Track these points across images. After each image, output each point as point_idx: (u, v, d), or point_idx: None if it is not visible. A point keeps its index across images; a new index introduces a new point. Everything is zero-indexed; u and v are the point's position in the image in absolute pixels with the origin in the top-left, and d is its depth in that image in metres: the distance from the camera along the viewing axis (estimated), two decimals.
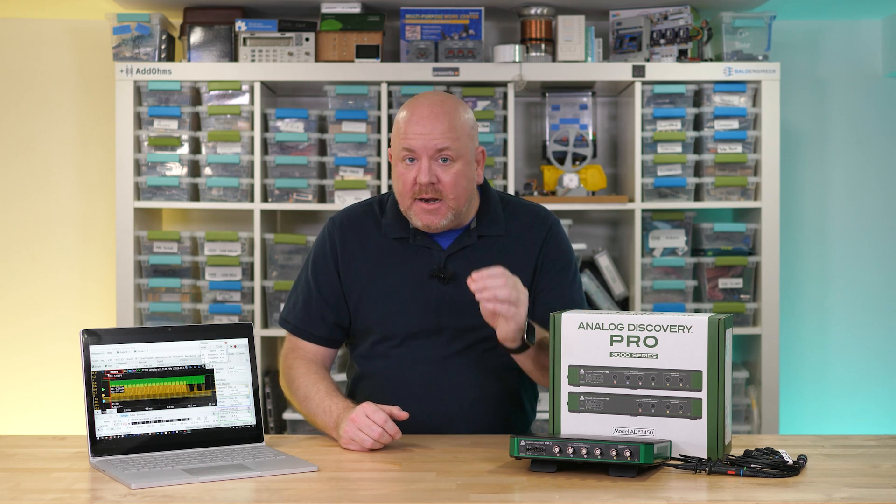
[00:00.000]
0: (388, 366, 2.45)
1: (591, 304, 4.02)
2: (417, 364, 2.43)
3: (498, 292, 2.17)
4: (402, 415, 2.23)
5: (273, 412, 4.03)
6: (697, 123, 4.05)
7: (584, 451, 1.96)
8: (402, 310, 2.43)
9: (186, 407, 2.18)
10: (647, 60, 4.00)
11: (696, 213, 4.09)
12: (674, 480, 1.95)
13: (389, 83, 3.97)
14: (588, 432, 2.10)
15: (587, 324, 2.11)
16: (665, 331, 2.07)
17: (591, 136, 4.17)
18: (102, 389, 2.12)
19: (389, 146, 2.51)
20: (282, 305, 3.96)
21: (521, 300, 2.20)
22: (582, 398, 2.12)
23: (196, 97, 4.07)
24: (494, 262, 2.39)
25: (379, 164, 4.01)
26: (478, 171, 2.45)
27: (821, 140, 4.38)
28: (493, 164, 3.98)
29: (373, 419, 2.20)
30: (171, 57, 4.09)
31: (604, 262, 4.12)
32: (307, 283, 2.51)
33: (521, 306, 2.21)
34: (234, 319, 3.97)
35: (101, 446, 2.10)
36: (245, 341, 2.26)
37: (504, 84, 3.98)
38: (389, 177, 3.98)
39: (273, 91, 4.18)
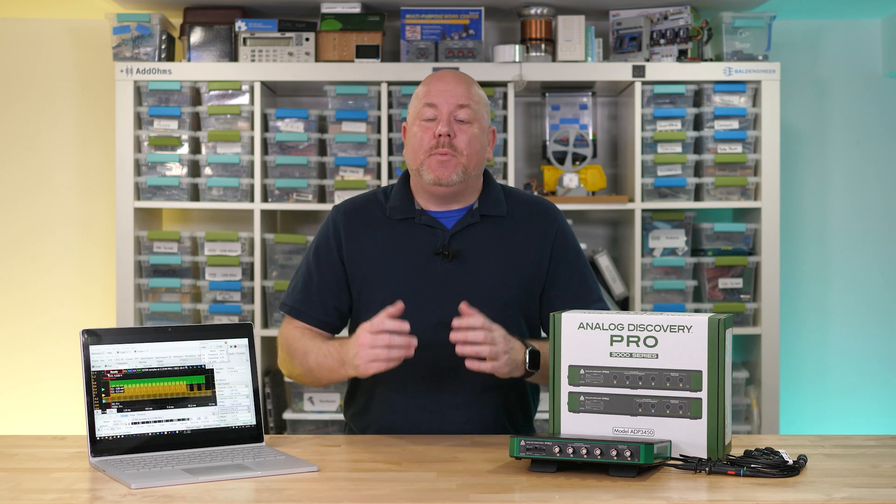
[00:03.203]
0: None
1: None
2: (421, 342, 2.44)
3: (480, 350, 2.24)
4: (397, 307, 2.25)
5: (273, 412, 4.03)
6: (697, 123, 4.05)
7: (584, 451, 1.96)
8: (407, 288, 2.45)
9: (186, 407, 2.18)
10: (647, 60, 4.00)
11: (696, 213, 4.09)
12: (674, 480, 1.95)
13: (389, 83, 3.97)
14: (588, 432, 2.10)
15: (587, 324, 2.11)
16: (665, 331, 2.07)
17: (591, 136, 4.17)
18: (102, 389, 2.12)
19: (405, 123, 2.57)
20: None
21: (499, 350, 2.26)
22: (582, 398, 2.12)
23: (196, 97, 4.07)
24: (497, 242, 2.48)
25: (379, 164, 4.01)
26: (488, 148, 2.53)
27: (821, 140, 4.38)
28: (493, 164, 3.98)
29: (377, 329, 2.23)
30: (171, 57, 4.09)
31: (604, 262, 4.12)
32: (308, 267, 2.54)
33: (501, 357, 2.26)
34: (234, 319, 3.97)
35: (101, 446, 2.10)
36: (245, 341, 2.26)
37: (504, 84, 3.98)
38: (390, 177, 3.98)
39: (273, 91, 4.18)
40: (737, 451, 2.12)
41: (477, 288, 2.43)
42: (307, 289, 2.52)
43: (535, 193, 4.03)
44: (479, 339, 2.24)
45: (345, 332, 2.65)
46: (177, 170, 4.01)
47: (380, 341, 2.23)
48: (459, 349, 2.25)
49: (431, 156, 2.44)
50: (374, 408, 2.51)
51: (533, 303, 2.52)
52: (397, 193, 2.54)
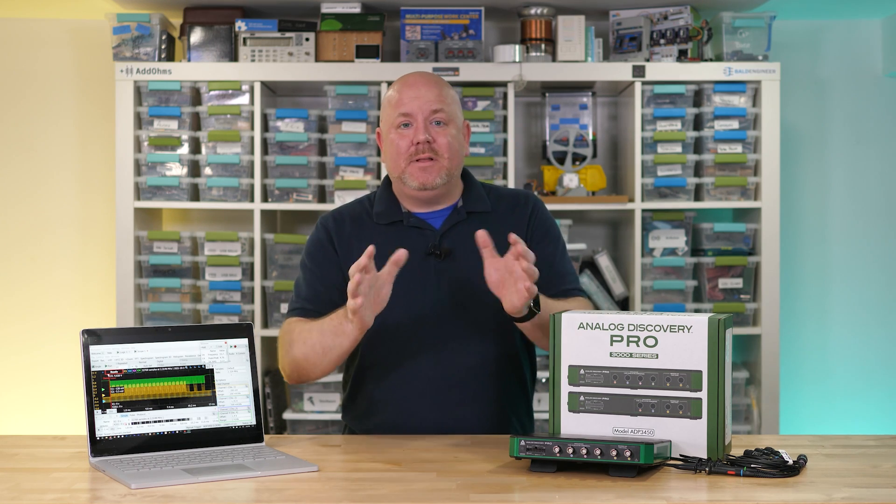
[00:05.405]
0: (393, 349, 2.48)
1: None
2: (422, 342, 2.46)
3: (532, 270, 2.20)
4: (400, 255, 2.26)
5: (273, 412, 4.03)
6: (697, 123, 4.05)
7: (584, 451, 1.96)
8: (403, 290, 2.44)
9: (186, 407, 2.18)
10: (647, 60, 4.00)
11: (696, 213, 4.09)
12: (674, 480, 1.95)
13: (389, 83, 3.96)
14: (588, 432, 2.10)
15: (587, 324, 2.11)
16: (665, 331, 2.07)
17: (591, 136, 4.17)
18: (102, 389, 2.12)
19: (378, 129, 2.60)
20: (282, 305, 3.97)
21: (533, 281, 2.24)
22: (582, 398, 2.12)
23: (196, 97, 4.07)
24: None
25: (379, 165, 4.01)
26: (464, 143, 2.56)
27: (821, 140, 4.38)
28: (493, 164, 3.98)
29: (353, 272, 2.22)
30: (171, 57, 4.09)
31: (604, 262, 4.12)
32: (309, 272, 2.53)
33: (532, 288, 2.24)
34: (234, 319, 3.97)
35: (101, 446, 2.10)
36: (245, 341, 2.26)
37: (504, 84, 3.98)
38: None
39: (273, 91, 4.18)
40: (737, 451, 2.12)
41: (470, 283, 2.44)
42: (313, 290, 2.51)
43: (535, 193, 4.04)
44: (533, 258, 2.20)
45: None
46: (177, 170, 4.01)
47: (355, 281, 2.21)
48: (517, 266, 2.20)
49: (412, 163, 2.47)
50: (377, 409, 2.51)
51: None
52: (381, 199, 2.57)
